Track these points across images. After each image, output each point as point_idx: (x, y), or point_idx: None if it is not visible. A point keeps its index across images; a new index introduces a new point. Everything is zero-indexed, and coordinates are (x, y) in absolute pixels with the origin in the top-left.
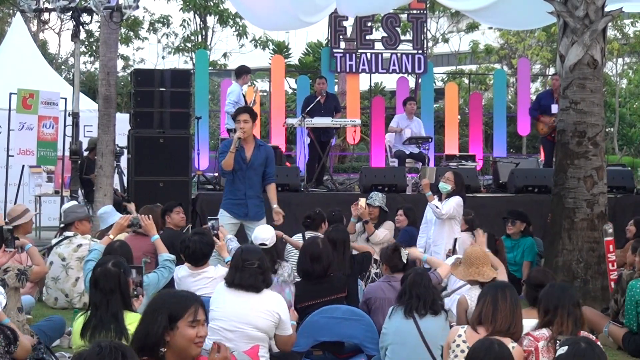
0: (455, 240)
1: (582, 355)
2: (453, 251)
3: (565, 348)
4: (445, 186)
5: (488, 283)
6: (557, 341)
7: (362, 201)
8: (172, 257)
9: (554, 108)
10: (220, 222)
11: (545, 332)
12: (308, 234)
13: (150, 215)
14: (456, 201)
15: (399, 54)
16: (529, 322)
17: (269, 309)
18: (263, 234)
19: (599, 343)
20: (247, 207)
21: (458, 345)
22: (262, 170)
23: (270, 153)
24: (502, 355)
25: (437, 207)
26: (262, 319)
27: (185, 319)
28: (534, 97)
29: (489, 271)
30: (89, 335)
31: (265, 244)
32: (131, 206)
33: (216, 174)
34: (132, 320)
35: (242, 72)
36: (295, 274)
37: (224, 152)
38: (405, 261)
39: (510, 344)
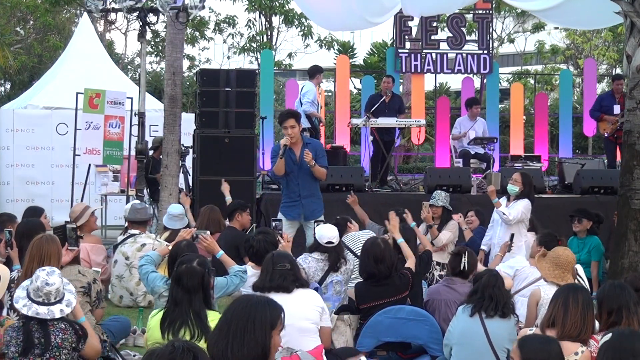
0: (512, 235)
1: (629, 340)
2: (509, 246)
3: (609, 335)
4: (513, 188)
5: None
6: None
7: (426, 205)
8: (244, 268)
9: (616, 109)
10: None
11: None
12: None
13: (209, 235)
14: (524, 205)
15: (464, 54)
16: None
17: (313, 303)
18: (329, 232)
19: None
20: (301, 208)
21: None
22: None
23: (318, 147)
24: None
25: (504, 213)
26: (311, 311)
27: (277, 328)
28: None
29: (572, 278)
30: (171, 332)
31: (332, 242)
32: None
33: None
34: (213, 318)
35: (316, 72)
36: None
37: (275, 157)
38: (462, 267)
39: (580, 348)
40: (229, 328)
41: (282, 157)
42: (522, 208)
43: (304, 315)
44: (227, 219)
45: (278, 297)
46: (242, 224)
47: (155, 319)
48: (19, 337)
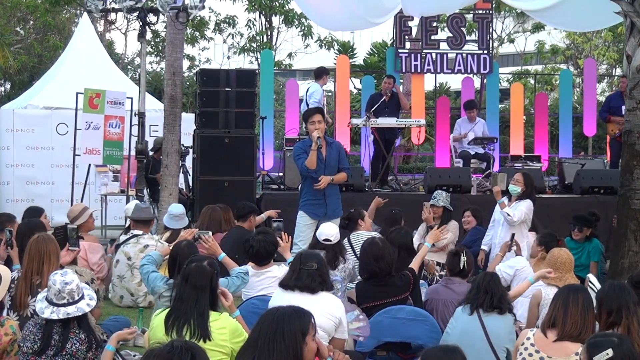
0: (513, 235)
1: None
2: (510, 246)
3: (610, 351)
4: (515, 188)
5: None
6: None
7: (427, 205)
8: (245, 269)
9: (624, 109)
10: (298, 223)
11: None
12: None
13: (211, 236)
14: (526, 205)
15: (464, 54)
16: None
17: (330, 312)
18: (328, 229)
19: None
20: (326, 207)
21: (526, 349)
22: (337, 167)
23: (340, 149)
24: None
25: (508, 214)
26: (324, 319)
27: (310, 333)
28: (600, 98)
29: (570, 278)
30: (175, 330)
31: (329, 240)
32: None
33: (281, 174)
34: (215, 318)
35: (322, 73)
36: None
37: (302, 154)
38: (461, 267)
39: (581, 348)
40: (257, 342)
41: (316, 148)
42: (525, 209)
43: (319, 323)
44: (237, 219)
45: (302, 297)
46: (251, 226)
47: (159, 317)
48: (38, 335)
